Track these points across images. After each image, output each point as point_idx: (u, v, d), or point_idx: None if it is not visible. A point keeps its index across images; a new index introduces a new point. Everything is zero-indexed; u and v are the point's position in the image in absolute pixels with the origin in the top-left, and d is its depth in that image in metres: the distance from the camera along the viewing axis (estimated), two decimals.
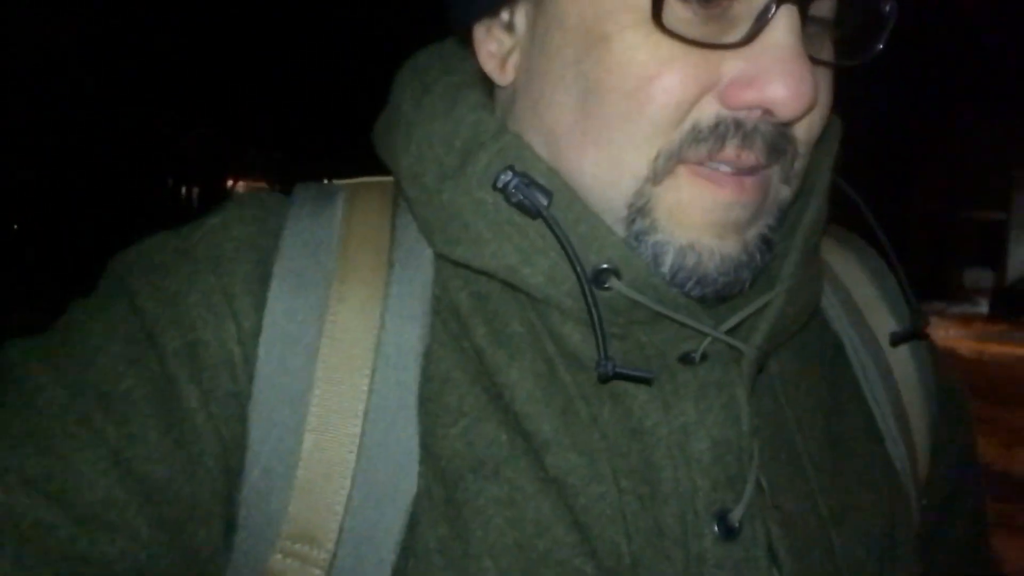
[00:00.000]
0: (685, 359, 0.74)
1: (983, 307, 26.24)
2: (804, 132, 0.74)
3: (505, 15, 0.80)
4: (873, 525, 0.79)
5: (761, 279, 0.78)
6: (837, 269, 0.94)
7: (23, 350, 0.73)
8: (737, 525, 0.71)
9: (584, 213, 0.73)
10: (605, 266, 0.72)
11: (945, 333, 19.57)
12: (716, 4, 0.69)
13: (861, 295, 0.92)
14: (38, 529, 0.65)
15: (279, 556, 0.70)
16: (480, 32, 0.81)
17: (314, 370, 0.71)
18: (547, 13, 0.77)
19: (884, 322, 0.91)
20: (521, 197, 0.72)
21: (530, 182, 0.73)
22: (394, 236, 0.79)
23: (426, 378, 0.73)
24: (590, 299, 0.69)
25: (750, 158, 0.71)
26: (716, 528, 0.71)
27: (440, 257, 0.77)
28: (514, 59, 0.80)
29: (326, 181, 0.88)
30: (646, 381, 0.72)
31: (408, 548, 0.69)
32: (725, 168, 0.72)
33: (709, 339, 0.74)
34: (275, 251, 0.76)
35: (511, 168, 0.73)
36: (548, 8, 0.77)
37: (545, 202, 0.72)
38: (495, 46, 0.81)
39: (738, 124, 0.71)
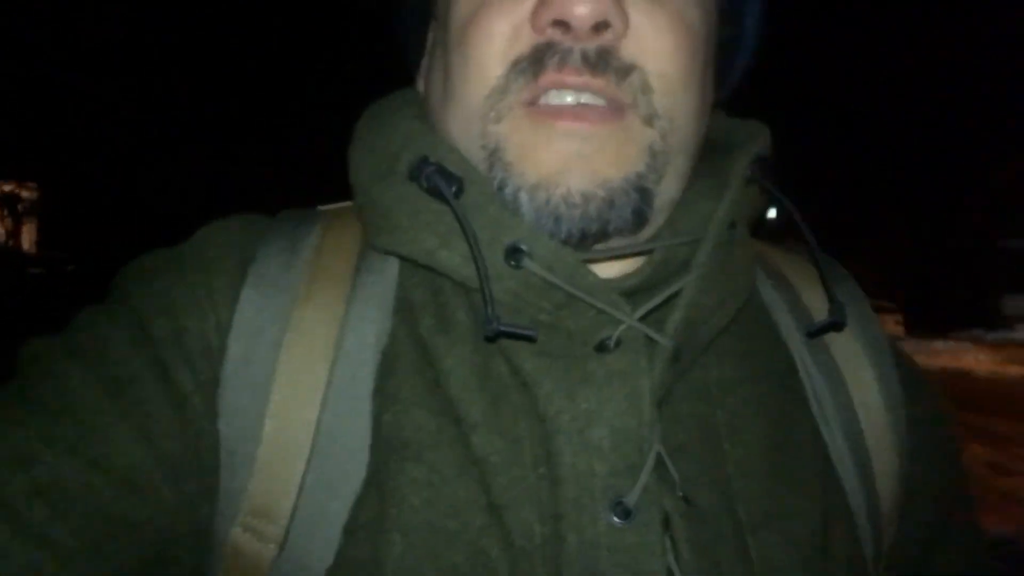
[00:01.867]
0: (601, 347, 0.73)
1: (1021, 333, 25.82)
2: (648, 59, 0.74)
3: (431, 40, 0.87)
4: (801, 535, 0.77)
5: (678, 271, 0.78)
6: (796, 284, 0.93)
7: (45, 344, 0.76)
8: (632, 510, 0.70)
9: (493, 195, 0.74)
10: (519, 246, 0.72)
11: (975, 358, 19.59)
12: None
13: (817, 309, 0.90)
14: (84, 491, 0.67)
15: (239, 530, 0.72)
16: (423, 64, 0.90)
17: (277, 361, 0.74)
18: (436, 17, 0.85)
19: (843, 339, 0.89)
20: (431, 184, 0.74)
21: (441, 170, 0.75)
22: (364, 247, 0.82)
23: (381, 371, 0.75)
24: (478, 262, 0.70)
25: (573, 76, 0.72)
26: (611, 512, 0.70)
27: (401, 260, 0.80)
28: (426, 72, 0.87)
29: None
30: (530, 339, 0.72)
31: (348, 529, 0.71)
32: (557, 101, 0.73)
33: (624, 326, 0.73)
34: (253, 257, 0.79)
35: (424, 159, 0.76)
36: (436, 12, 0.85)
37: (453, 187, 0.74)
38: (425, 69, 0.89)
39: (551, 45, 0.72)
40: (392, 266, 0.80)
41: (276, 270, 0.78)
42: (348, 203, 0.86)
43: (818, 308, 0.89)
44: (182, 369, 0.74)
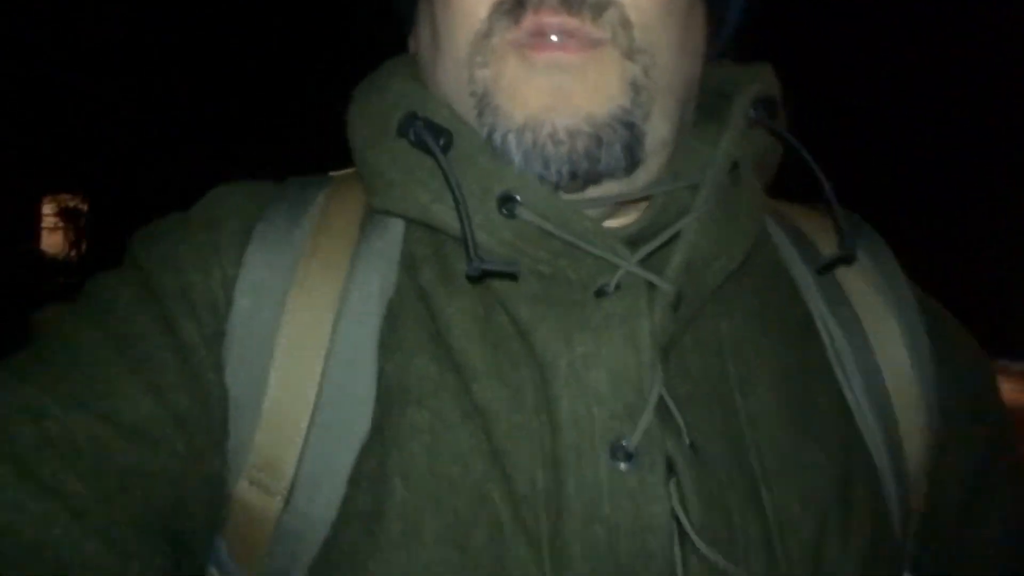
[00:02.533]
0: (600, 292, 0.72)
1: None
2: None
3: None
4: (820, 488, 0.74)
5: (679, 216, 0.77)
6: (814, 238, 0.90)
7: (56, 309, 0.78)
8: (633, 453, 0.68)
9: (483, 146, 0.73)
10: (512, 195, 0.72)
11: (1002, 388, 19.38)
12: None
13: (847, 272, 0.86)
14: (93, 444, 0.67)
15: (245, 483, 0.72)
16: (416, 28, 0.89)
17: (282, 314, 0.73)
18: None
19: (864, 292, 0.86)
20: (419, 139, 0.74)
21: (429, 124, 0.74)
22: (369, 207, 0.82)
23: (386, 323, 0.75)
24: (460, 208, 0.70)
25: (550, 16, 0.71)
26: (610, 456, 0.68)
27: (393, 214, 0.80)
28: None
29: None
30: (512, 276, 0.72)
31: (353, 479, 0.70)
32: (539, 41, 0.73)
33: (622, 271, 0.72)
34: (260, 216, 0.79)
35: (412, 115, 0.76)
36: None
37: (441, 141, 0.73)
38: (417, 30, 0.88)
39: None
40: (397, 224, 0.80)
41: (282, 228, 0.78)
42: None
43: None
44: (188, 322, 0.74)
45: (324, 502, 0.70)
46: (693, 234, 0.74)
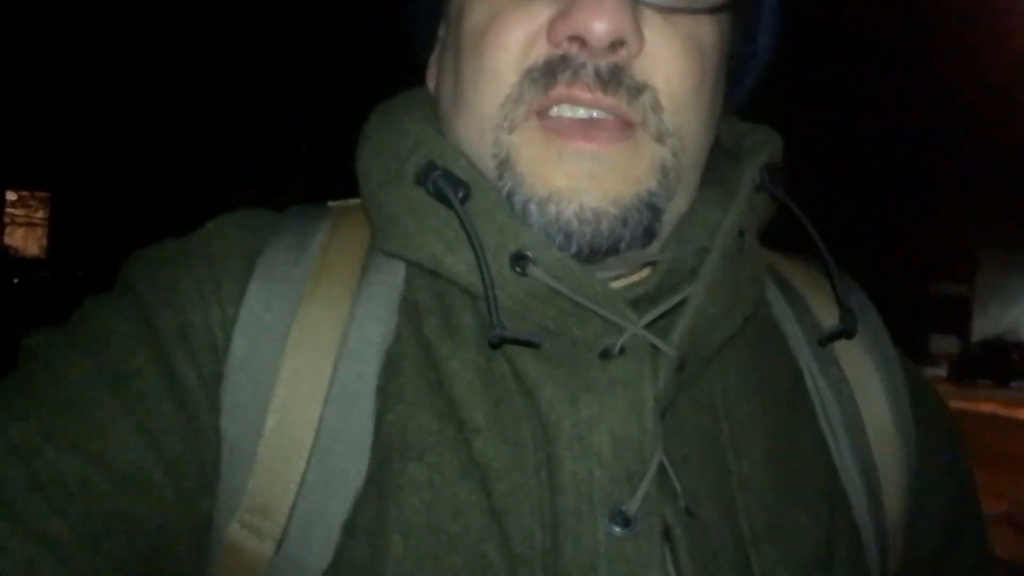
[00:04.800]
0: (605, 354, 0.70)
1: (944, 370, 26.74)
2: (660, 79, 0.71)
3: (442, 37, 0.84)
4: (804, 550, 0.73)
5: (685, 280, 0.75)
6: (805, 294, 0.88)
7: (47, 336, 0.73)
8: (632, 519, 0.66)
9: (501, 202, 0.71)
10: (524, 253, 0.70)
11: None
12: None
13: (827, 323, 0.84)
14: (83, 487, 0.65)
15: (237, 526, 0.69)
16: (431, 61, 0.86)
17: (282, 357, 0.71)
18: (447, 18, 0.81)
19: (852, 352, 0.84)
20: (438, 189, 0.72)
21: (448, 175, 0.72)
22: (372, 246, 0.78)
23: (385, 370, 0.72)
24: (483, 268, 0.68)
25: (584, 92, 0.69)
26: (609, 521, 0.66)
27: (404, 260, 0.77)
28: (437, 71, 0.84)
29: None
30: (535, 345, 0.69)
31: (348, 528, 0.68)
32: (569, 114, 0.71)
33: (628, 333, 0.70)
34: (260, 252, 0.76)
35: (431, 164, 0.73)
36: (448, 13, 0.81)
37: (461, 193, 0.71)
38: (435, 68, 0.85)
39: (565, 59, 0.69)
40: (399, 266, 0.77)
41: (283, 266, 0.75)
42: (357, 200, 0.83)
43: (828, 319, 0.84)
44: (186, 364, 0.71)
45: (317, 549, 0.68)
46: (700, 300, 0.72)
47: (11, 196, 22.87)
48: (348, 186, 0.83)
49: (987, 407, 17.26)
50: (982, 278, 30.72)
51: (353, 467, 0.69)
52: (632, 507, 0.66)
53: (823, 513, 0.76)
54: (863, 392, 0.82)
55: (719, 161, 0.81)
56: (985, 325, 30.60)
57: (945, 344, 29.36)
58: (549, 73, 0.70)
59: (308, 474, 0.69)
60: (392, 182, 0.76)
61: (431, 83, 0.85)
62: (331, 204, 0.85)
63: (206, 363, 0.71)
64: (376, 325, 0.73)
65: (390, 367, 0.72)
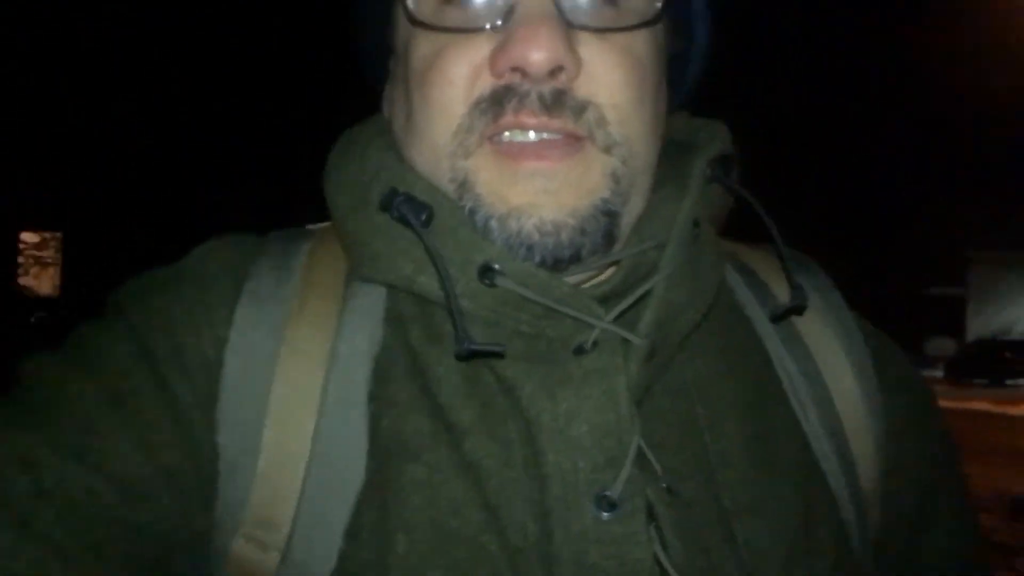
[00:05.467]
0: (579, 350, 0.72)
1: (941, 371, 26.79)
2: (602, 94, 0.74)
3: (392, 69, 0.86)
4: (786, 519, 0.75)
5: (648, 273, 0.77)
6: (766, 278, 0.90)
7: (42, 359, 0.75)
8: (616, 502, 0.68)
9: (463, 219, 0.73)
10: (491, 265, 0.72)
11: None
12: None
13: (787, 299, 0.85)
14: (87, 496, 0.66)
15: (242, 540, 0.70)
16: (386, 90, 0.88)
17: (274, 372, 0.72)
18: (394, 51, 0.84)
19: (814, 327, 0.86)
20: (401, 214, 0.74)
21: (409, 200, 0.74)
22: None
23: (375, 378, 0.74)
24: (447, 288, 0.70)
25: (530, 118, 0.71)
26: (595, 505, 0.68)
27: (381, 284, 0.79)
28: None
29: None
30: (497, 355, 0.71)
31: (350, 532, 0.69)
32: (520, 138, 0.73)
33: (598, 329, 0.72)
34: (247, 274, 0.77)
35: (394, 190, 0.75)
36: (394, 47, 0.83)
37: (423, 215, 0.73)
38: (390, 98, 0.87)
39: (509, 89, 0.72)
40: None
41: (269, 286, 0.77)
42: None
43: (788, 299, 0.85)
44: (181, 384, 0.72)
45: (322, 555, 0.69)
46: (663, 291, 0.75)
47: (32, 238, 23.02)
48: None
49: (980, 405, 17.49)
50: (976, 279, 30.75)
51: (351, 473, 0.70)
52: (616, 491, 0.68)
53: (801, 484, 0.78)
54: (828, 365, 0.84)
55: (675, 157, 0.83)
56: (980, 326, 30.63)
57: (941, 346, 29.39)
58: (496, 103, 0.72)
59: (308, 483, 0.70)
60: (358, 209, 0.78)
61: (386, 111, 0.88)
62: (310, 227, 0.88)
63: (200, 383, 0.72)
64: (363, 335, 0.75)
65: (381, 374, 0.74)
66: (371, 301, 0.78)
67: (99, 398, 0.70)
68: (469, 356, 0.70)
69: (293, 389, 0.72)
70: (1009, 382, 25.00)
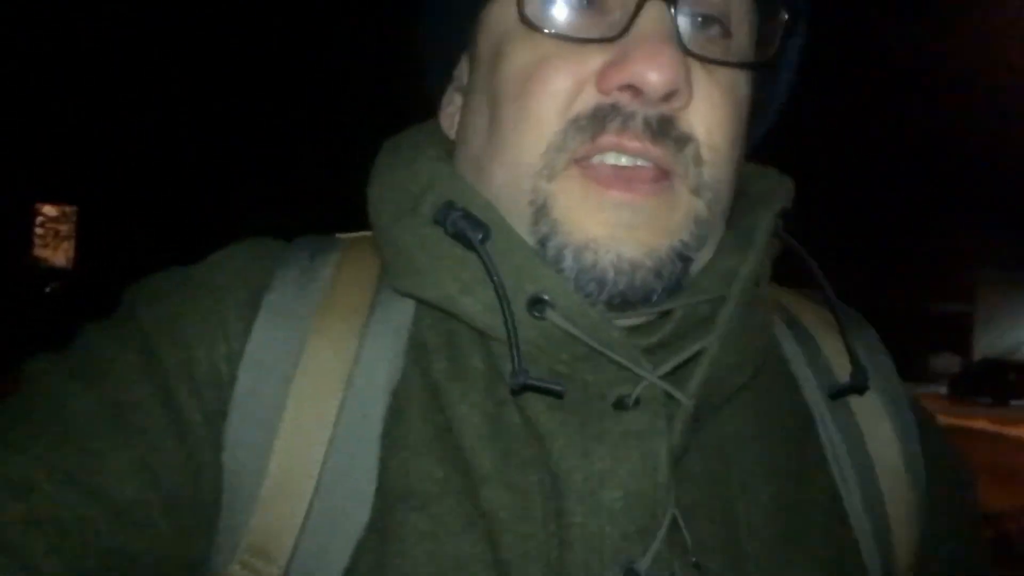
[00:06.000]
0: (619, 404, 0.68)
1: (945, 387, 26.82)
2: (702, 131, 0.70)
3: (459, 77, 0.82)
4: None
5: (700, 327, 0.72)
6: (816, 335, 0.85)
7: (48, 363, 0.71)
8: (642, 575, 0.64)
9: (520, 244, 0.70)
10: (542, 296, 0.68)
11: None
12: (590, 2, 0.69)
13: (838, 363, 0.82)
14: (80, 523, 0.63)
15: (237, 567, 0.67)
16: (444, 100, 0.84)
17: (287, 395, 0.68)
18: (473, 58, 0.78)
19: (868, 398, 0.81)
20: (457, 229, 0.69)
21: (467, 216, 0.70)
22: (381, 282, 0.76)
23: (390, 414, 0.70)
24: (506, 313, 0.66)
25: (633, 141, 0.67)
26: None
27: (416, 299, 0.74)
28: (458, 111, 0.81)
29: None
30: (557, 394, 0.67)
31: (349, 574, 0.65)
32: (612, 161, 0.69)
33: (644, 383, 0.68)
34: (267, 285, 0.73)
35: (450, 203, 0.71)
36: (474, 53, 0.78)
37: (480, 234, 0.69)
38: (452, 107, 0.82)
39: (615, 107, 0.68)
40: (408, 304, 0.75)
41: (290, 301, 0.73)
42: (366, 233, 0.80)
43: (839, 361, 0.81)
44: (189, 399, 0.68)
45: None
46: (716, 350, 0.70)
47: (50, 211, 23.16)
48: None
49: (980, 424, 17.56)
50: (984, 297, 30.60)
51: (355, 512, 0.67)
52: (644, 564, 0.65)
53: (832, 562, 0.74)
54: (873, 434, 0.80)
55: (732, 205, 0.79)
56: (987, 345, 30.45)
57: (946, 362, 29.28)
58: (597, 121, 0.68)
59: (310, 517, 0.67)
60: (405, 218, 0.74)
61: (446, 122, 0.84)
62: (340, 236, 0.83)
63: (209, 399, 0.69)
64: (383, 366, 0.71)
65: (395, 410, 0.70)
66: (396, 327, 0.73)
67: (101, 413, 0.67)
68: (521, 391, 0.66)
69: (305, 416, 0.68)
70: (1013, 403, 24.87)
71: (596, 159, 0.69)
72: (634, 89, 0.66)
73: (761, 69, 0.76)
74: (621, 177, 0.68)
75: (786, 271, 0.85)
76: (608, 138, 0.68)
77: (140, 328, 0.71)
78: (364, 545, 0.66)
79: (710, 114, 0.70)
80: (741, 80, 0.73)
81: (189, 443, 0.67)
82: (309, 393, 0.69)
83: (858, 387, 0.77)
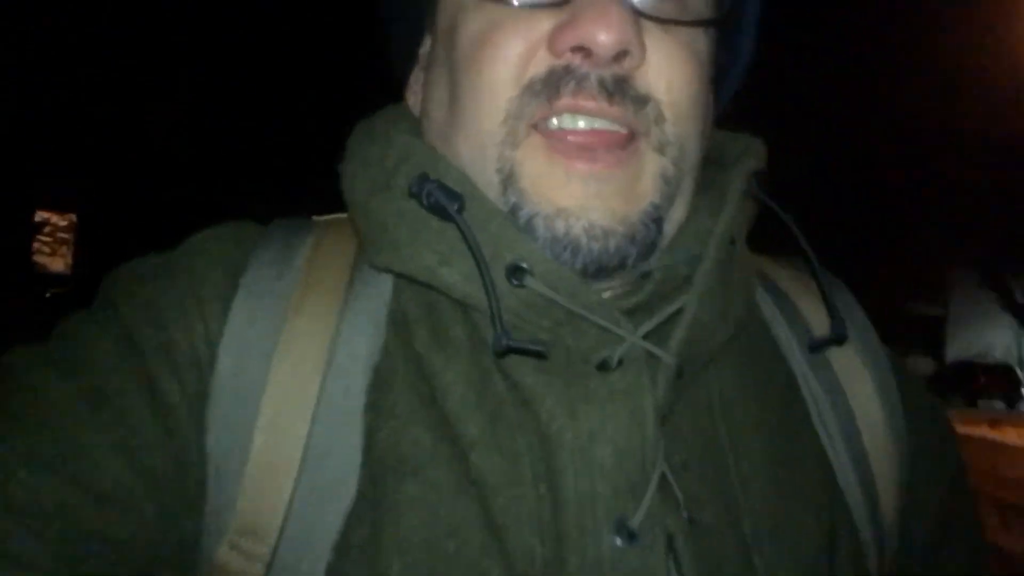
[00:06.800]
0: (603, 365, 0.68)
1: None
2: (661, 89, 0.70)
3: (423, 57, 0.83)
4: (807, 547, 0.72)
5: (679, 288, 0.73)
6: (794, 297, 0.86)
7: (25, 355, 0.71)
8: (636, 531, 0.65)
9: (495, 212, 0.69)
10: (520, 264, 0.68)
11: None
12: None
13: (816, 321, 0.83)
14: (61, 509, 0.62)
15: (226, 548, 0.67)
16: (412, 79, 0.85)
17: (268, 373, 0.68)
18: (433, 35, 0.79)
19: (842, 352, 0.83)
20: (433, 201, 0.69)
21: (442, 187, 0.69)
22: (359, 259, 0.76)
23: (374, 386, 0.70)
24: (487, 281, 0.65)
25: (588, 101, 0.67)
26: (614, 533, 0.65)
27: (396, 276, 0.74)
28: (422, 88, 0.82)
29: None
30: (540, 355, 0.67)
31: (340, 547, 0.66)
32: (570, 124, 0.69)
33: (627, 344, 0.68)
34: (244, 266, 0.73)
35: (424, 175, 0.70)
36: (434, 30, 0.79)
37: (456, 205, 0.68)
38: (417, 86, 0.84)
39: (568, 69, 0.68)
40: (386, 280, 0.75)
41: (268, 281, 0.73)
42: (342, 215, 0.81)
43: (817, 321, 0.83)
44: (169, 381, 0.68)
45: (308, 569, 0.66)
46: (695, 309, 0.72)
47: (57, 220, 23.43)
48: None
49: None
50: (956, 301, 30.91)
51: (343, 485, 0.67)
52: (636, 519, 0.65)
53: (824, 513, 0.75)
54: (855, 391, 0.81)
55: (706, 168, 0.80)
56: (960, 348, 30.79)
57: (920, 365, 29.57)
58: (551, 84, 0.69)
59: (297, 494, 0.66)
60: (381, 192, 0.73)
61: (412, 100, 0.84)
62: (315, 218, 0.84)
63: (190, 381, 0.69)
64: (363, 340, 0.71)
65: (379, 383, 0.70)
66: (375, 302, 0.74)
67: (81, 400, 0.67)
68: (504, 353, 0.67)
69: (287, 393, 0.68)
70: (980, 403, 25.23)
71: (553, 122, 0.70)
72: (585, 50, 0.68)
73: (719, 27, 0.78)
74: (585, 147, 0.69)
75: (766, 243, 0.88)
76: (564, 100, 0.69)
77: (118, 314, 0.71)
78: (355, 516, 0.67)
79: (669, 72, 0.71)
80: (700, 38, 0.75)
81: (170, 425, 0.67)
82: (290, 371, 0.69)
83: (837, 339, 0.79)
